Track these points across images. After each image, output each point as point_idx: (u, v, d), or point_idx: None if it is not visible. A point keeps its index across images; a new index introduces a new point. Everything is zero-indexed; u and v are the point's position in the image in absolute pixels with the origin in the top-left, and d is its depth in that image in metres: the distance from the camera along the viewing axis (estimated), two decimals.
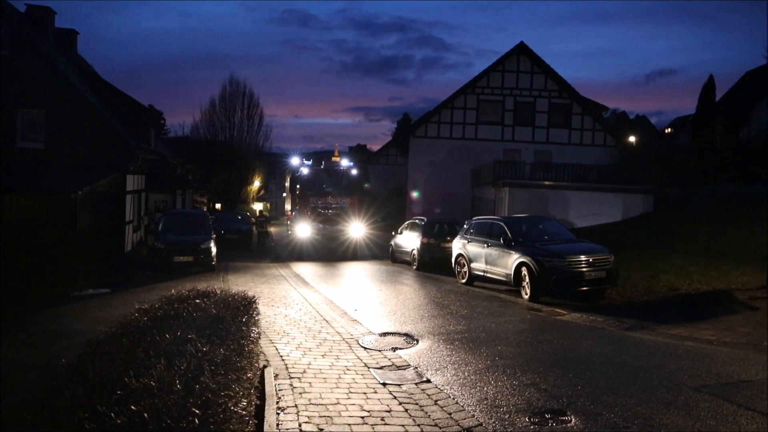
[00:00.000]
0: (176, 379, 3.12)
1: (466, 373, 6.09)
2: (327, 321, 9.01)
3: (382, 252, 22.91)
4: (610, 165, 27.33)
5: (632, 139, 39.09)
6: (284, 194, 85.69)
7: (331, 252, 21.08)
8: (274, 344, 7.30)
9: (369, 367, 6.35)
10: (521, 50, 29.65)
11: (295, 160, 26.22)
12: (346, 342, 7.57)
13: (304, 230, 21.08)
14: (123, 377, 3.15)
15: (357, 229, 21.53)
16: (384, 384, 5.75)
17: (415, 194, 30.60)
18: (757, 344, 6.97)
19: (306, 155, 25.52)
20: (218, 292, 6.40)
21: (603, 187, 24.37)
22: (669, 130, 54.34)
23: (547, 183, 24.97)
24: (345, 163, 25.49)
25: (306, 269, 17.60)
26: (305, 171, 22.55)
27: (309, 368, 6.27)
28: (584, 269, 10.50)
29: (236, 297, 6.23)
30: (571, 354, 6.92)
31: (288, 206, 31.31)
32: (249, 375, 4.66)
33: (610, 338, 7.81)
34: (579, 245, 11.49)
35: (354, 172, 22.94)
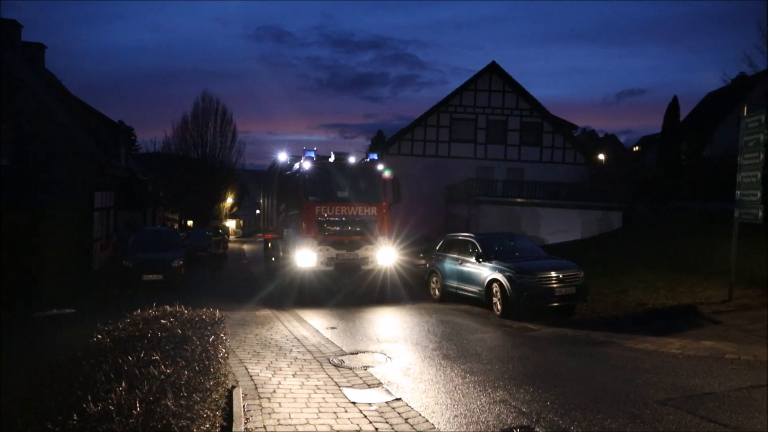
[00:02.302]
0: (136, 403, 3.04)
1: (437, 391, 6.08)
2: (298, 340, 8.91)
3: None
4: (581, 182, 27.92)
5: (601, 157, 40.08)
6: (258, 210, 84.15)
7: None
8: (244, 364, 7.18)
9: (340, 386, 6.28)
10: (493, 69, 30.23)
11: (282, 156, 16.50)
12: (317, 361, 7.48)
13: (306, 258, 12.72)
14: (81, 402, 3.05)
15: (387, 255, 13.44)
16: (354, 403, 5.70)
17: None
18: (720, 357, 7.13)
19: (295, 156, 15.91)
20: (185, 311, 6.28)
21: (573, 204, 24.84)
22: (637, 148, 55.86)
23: (519, 200, 25.35)
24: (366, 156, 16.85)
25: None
26: (307, 166, 13.31)
27: (279, 388, 6.17)
28: (555, 285, 10.63)
29: (203, 316, 6.12)
30: (541, 370, 6.97)
31: (269, 220, 20.31)
32: (215, 396, 4.57)
33: (580, 353, 7.90)
34: (549, 262, 11.65)
35: (381, 168, 14.01)
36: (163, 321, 5.71)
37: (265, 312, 11.77)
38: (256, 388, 6.15)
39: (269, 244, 18.84)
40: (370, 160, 14.70)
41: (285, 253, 14.83)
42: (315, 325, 10.24)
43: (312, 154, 13.43)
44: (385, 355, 7.79)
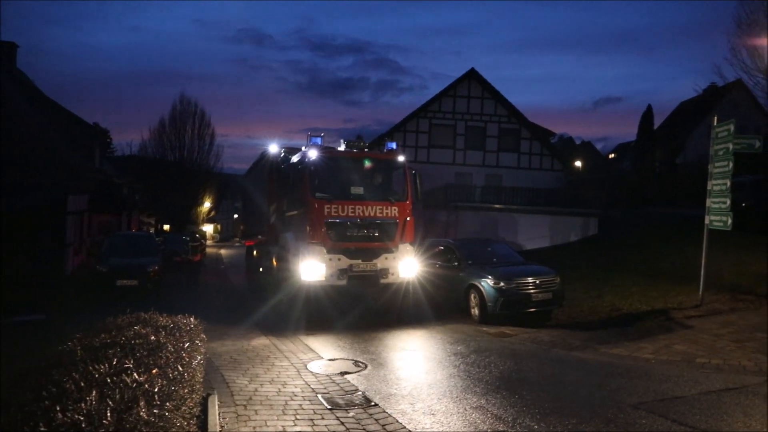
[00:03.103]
0: (107, 412, 2.97)
1: (415, 397, 6.08)
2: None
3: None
4: (558, 189, 28.30)
5: (578, 163, 40.74)
6: (236, 215, 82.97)
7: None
8: (220, 371, 7.09)
9: (317, 393, 6.24)
10: (472, 76, 30.52)
11: (273, 148, 13.84)
12: (294, 367, 7.43)
13: (312, 270, 10.32)
14: (49, 412, 2.97)
15: (409, 266, 11.03)
16: (331, 409, 5.67)
17: None
18: (691, 361, 7.29)
19: (289, 148, 13.47)
20: (160, 317, 6.17)
21: (550, 210, 25.16)
22: (613, 155, 56.93)
23: (497, 206, 25.57)
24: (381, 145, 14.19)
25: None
26: (314, 155, 10.75)
27: (255, 395, 6.11)
28: (531, 291, 10.74)
29: (179, 323, 6.02)
30: (518, 375, 7.03)
31: (252, 224, 18.67)
32: (190, 404, 4.49)
33: (556, 359, 7.99)
34: (527, 267, 11.77)
35: (402, 159, 11.48)
36: (136, 327, 5.60)
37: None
38: (232, 395, 6.08)
39: (254, 252, 16.22)
40: (389, 149, 11.66)
41: (282, 262, 11.81)
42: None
43: (319, 141, 10.89)
44: (360, 361, 7.75)
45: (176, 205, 42.83)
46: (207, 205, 50.34)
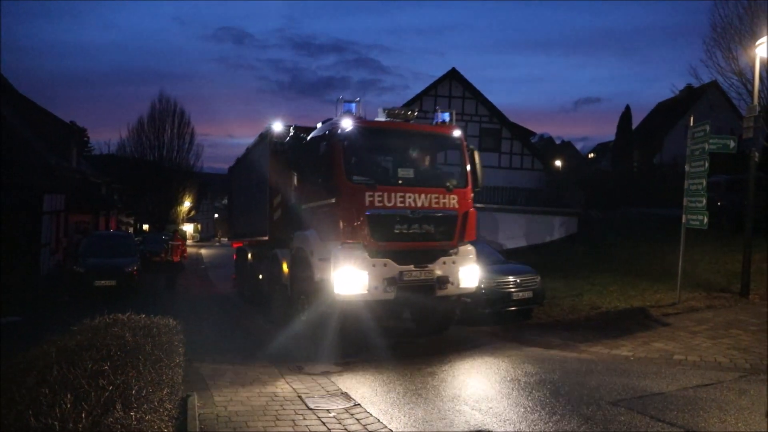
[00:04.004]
0: (82, 417, 2.92)
1: (396, 396, 6.08)
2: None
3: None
4: (538, 188, 28.56)
5: (558, 163, 41.18)
6: (216, 214, 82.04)
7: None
8: (201, 372, 7.00)
9: (298, 393, 6.20)
10: (453, 76, 30.62)
11: (277, 126, 10.93)
12: (276, 367, 7.37)
13: (350, 280, 7.79)
14: (22, 418, 2.90)
15: (472, 273, 8.80)
16: (312, 409, 5.63)
17: None
18: (669, 358, 7.41)
19: (298, 127, 10.53)
20: (139, 318, 6.08)
21: (531, 209, 25.38)
22: (592, 155, 57.68)
23: (477, 205, 25.58)
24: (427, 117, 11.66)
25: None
26: (348, 126, 8.18)
27: (236, 396, 6.05)
28: (512, 290, 10.81)
29: (157, 324, 5.94)
30: (499, 374, 7.07)
31: (242, 221, 14.83)
32: (168, 406, 4.43)
33: (536, 357, 8.05)
34: (507, 266, 11.84)
35: (459, 135, 9.07)
36: (114, 329, 5.51)
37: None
38: (212, 396, 6.01)
39: (249, 255, 13.68)
40: (442, 122, 9.10)
41: (298, 269, 9.19)
42: None
43: (353, 108, 8.28)
44: (341, 361, 7.71)
45: (155, 204, 42.32)
46: (187, 204, 49.79)
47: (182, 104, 54.20)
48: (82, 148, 41.56)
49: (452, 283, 8.44)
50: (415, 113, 9.01)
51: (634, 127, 40.55)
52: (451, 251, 8.59)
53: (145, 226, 44.23)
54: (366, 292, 7.75)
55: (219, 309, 14.14)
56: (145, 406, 3.60)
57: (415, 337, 9.55)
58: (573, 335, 9.21)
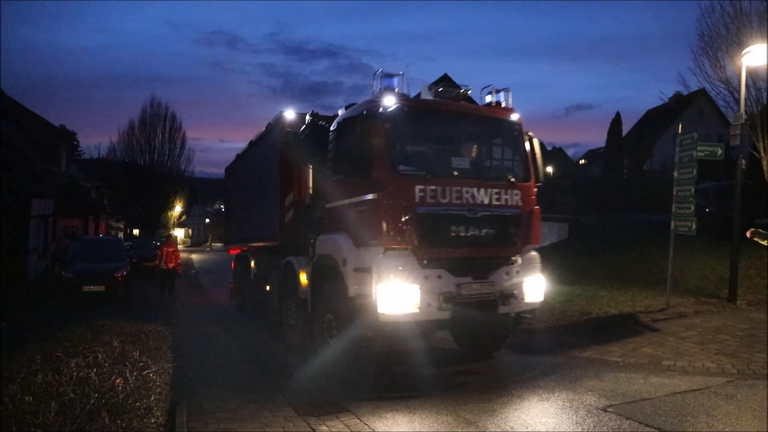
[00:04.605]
0: (66, 426, 2.88)
1: (387, 403, 6.06)
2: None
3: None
4: None
5: (550, 169, 41.43)
6: (207, 219, 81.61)
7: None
8: (191, 379, 6.95)
9: (288, 402, 6.17)
10: (445, 81, 30.70)
11: (290, 114, 9.46)
12: (268, 373, 7.33)
13: (397, 296, 6.18)
14: (4, 426, 2.86)
15: (537, 286, 7.37)
16: (303, 416, 5.60)
17: None
18: (657, 363, 7.45)
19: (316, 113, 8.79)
20: (126, 325, 6.02)
21: None
22: (583, 161, 58.07)
23: None
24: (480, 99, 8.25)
25: None
26: (390, 103, 6.65)
27: (226, 404, 6.00)
28: None
29: (146, 330, 5.89)
30: (490, 381, 7.08)
31: (243, 224, 13.15)
32: (156, 413, 4.39)
33: (527, 362, 8.07)
34: None
35: (517, 119, 7.67)
36: (102, 335, 5.46)
37: None
38: (201, 404, 5.96)
39: (251, 263, 12.15)
40: (497, 103, 7.63)
41: (323, 281, 7.50)
42: None
43: (394, 83, 6.87)
44: (334, 369, 7.67)
45: (146, 209, 42.07)
46: (178, 209, 49.54)
47: (173, 108, 54.01)
48: (72, 151, 41.29)
49: (516, 299, 6.95)
50: (468, 92, 7.53)
51: (624, 133, 40.95)
52: (515, 259, 7.16)
53: (136, 231, 43.94)
54: (417, 310, 6.22)
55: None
56: (132, 413, 3.56)
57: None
58: (563, 341, 9.23)
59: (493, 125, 7.71)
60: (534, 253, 7.46)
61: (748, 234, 6.78)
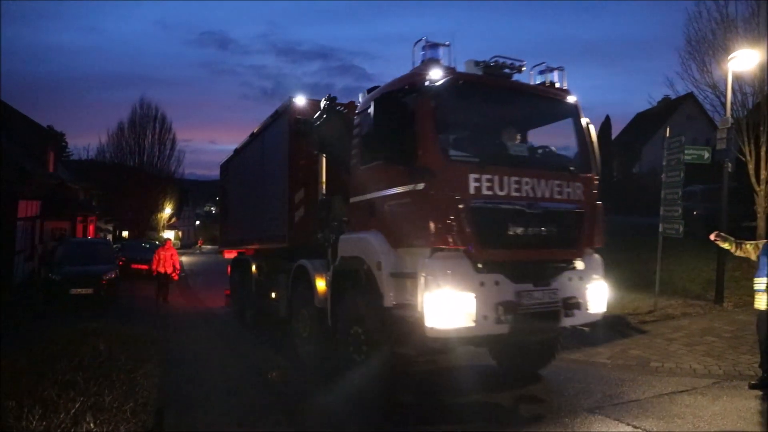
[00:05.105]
0: (50, 430, 2.85)
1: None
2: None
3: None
4: None
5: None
6: (197, 221, 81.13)
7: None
8: (178, 382, 6.90)
9: (276, 405, 6.15)
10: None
11: (300, 100, 8.66)
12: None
13: (448, 306, 5.13)
14: None
15: (600, 294, 6.41)
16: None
17: None
18: (645, 365, 7.50)
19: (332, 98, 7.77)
20: (114, 328, 5.98)
21: None
22: None
23: None
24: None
25: None
26: (437, 76, 5.65)
27: (214, 407, 5.97)
28: None
29: (133, 334, 5.85)
30: (480, 382, 7.09)
31: (240, 225, 12.35)
32: (143, 417, 4.36)
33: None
34: None
35: (574, 101, 6.69)
36: (88, 338, 5.41)
37: None
38: (189, 406, 5.92)
39: (253, 267, 11.11)
40: (550, 83, 6.70)
41: (349, 288, 6.49)
42: None
43: (439, 55, 5.89)
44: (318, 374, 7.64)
45: (135, 211, 41.75)
46: (168, 211, 49.23)
47: (164, 109, 53.65)
48: (60, 153, 40.85)
49: (580, 309, 5.97)
50: (523, 68, 6.41)
51: (613, 137, 41.26)
52: (577, 262, 6.22)
53: (125, 233, 43.59)
54: (472, 324, 5.21)
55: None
56: (118, 416, 3.54)
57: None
58: None
59: (551, 107, 6.74)
60: (597, 256, 6.54)
61: (711, 236, 6.92)
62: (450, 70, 5.86)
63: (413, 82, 5.83)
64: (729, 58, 11.26)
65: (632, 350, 8.30)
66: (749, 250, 6.70)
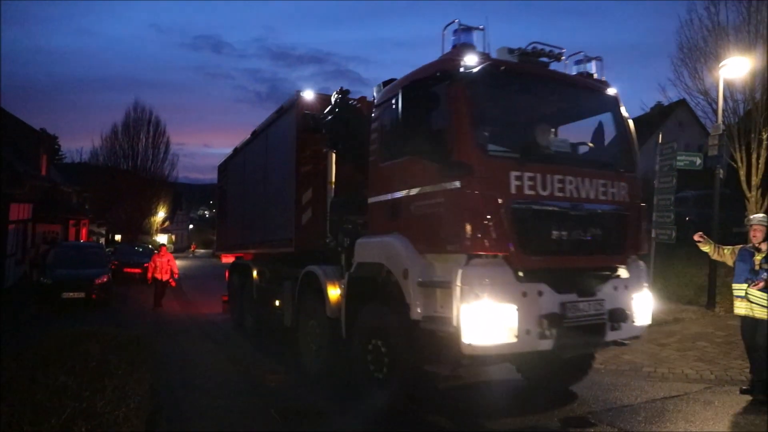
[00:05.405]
0: None
1: None
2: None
3: None
4: None
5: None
6: (191, 225, 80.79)
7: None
8: (171, 385, 6.85)
9: (268, 406, 6.12)
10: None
11: (308, 94, 8.08)
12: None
13: (488, 321, 4.56)
14: None
15: (645, 304, 5.69)
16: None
17: None
18: (638, 370, 7.54)
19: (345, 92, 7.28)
20: (105, 332, 5.95)
21: None
22: None
23: None
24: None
25: None
26: (472, 62, 5.07)
27: (206, 411, 5.93)
28: None
29: (125, 338, 5.82)
30: (470, 386, 7.10)
31: (237, 228, 11.90)
32: (135, 422, 4.34)
33: (509, 370, 8.10)
34: None
35: (614, 93, 6.18)
36: (80, 343, 5.39)
37: None
38: (182, 411, 5.88)
39: (254, 273, 10.37)
40: (588, 75, 6.14)
41: (367, 297, 6.02)
42: None
43: (473, 40, 5.34)
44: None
45: (129, 214, 41.55)
46: (161, 215, 49.03)
47: (158, 113, 53.48)
48: (53, 155, 40.67)
49: (626, 321, 5.41)
50: (561, 57, 5.86)
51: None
52: (621, 269, 5.67)
53: (118, 237, 43.36)
54: (515, 339, 4.68)
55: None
56: (110, 420, 3.52)
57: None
58: None
59: (592, 100, 6.24)
60: (641, 263, 5.91)
61: (695, 237, 6.95)
62: (485, 56, 5.31)
63: (446, 68, 5.20)
64: (720, 65, 11.39)
65: (625, 355, 8.32)
66: (726, 254, 6.73)
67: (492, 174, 4.89)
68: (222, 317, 13.13)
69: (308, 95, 8.08)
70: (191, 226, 78.31)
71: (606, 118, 6.19)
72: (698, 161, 10.72)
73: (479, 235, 4.77)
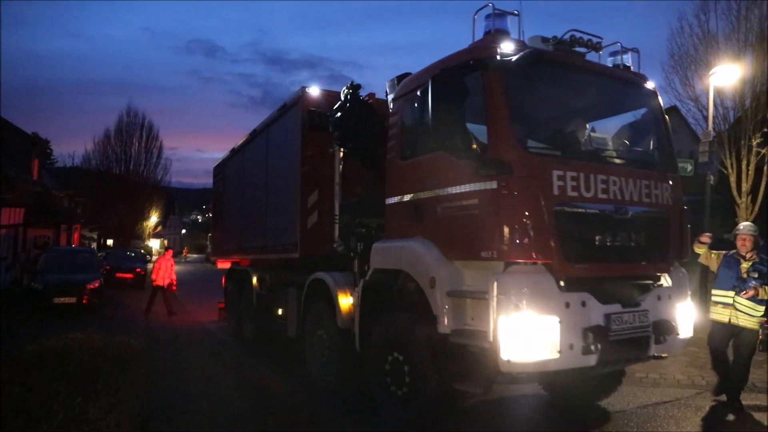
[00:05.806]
0: None
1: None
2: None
3: None
4: None
5: None
6: (183, 230, 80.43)
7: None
8: (164, 393, 6.82)
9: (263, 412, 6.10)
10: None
11: (314, 90, 7.63)
12: (243, 388, 7.24)
13: (528, 336, 4.10)
14: None
15: (687, 315, 5.23)
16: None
17: None
18: (630, 376, 7.52)
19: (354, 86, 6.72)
20: (98, 338, 5.90)
21: None
22: None
23: None
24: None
25: None
26: (512, 50, 4.60)
27: (200, 416, 5.91)
28: None
29: (118, 345, 5.78)
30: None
31: (234, 232, 11.37)
32: (127, 427, 4.31)
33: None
34: None
35: (653, 87, 5.67)
36: (71, 349, 5.34)
37: None
38: (176, 418, 5.86)
39: (254, 280, 9.89)
40: (624, 67, 5.68)
41: (387, 307, 5.62)
42: None
43: (506, 25, 4.94)
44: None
45: (121, 219, 41.38)
46: (153, 219, 48.84)
47: (150, 117, 53.46)
48: (45, 160, 40.48)
49: (671, 333, 4.97)
50: (600, 47, 5.37)
51: None
52: (663, 278, 5.32)
53: (110, 242, 43.15)
54: (557, 355, 4.23)
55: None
56: (102, 426, 3.50)
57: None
58: None
59: (632, 94, 5.71)
60: (684, 271, 5.50)
61: (704, 237, 6.87)
62: (521, 44, 4.86)
63: (480, 56, 4.72)
64: (710, 72, 11.52)
65: None
66: (713, 259, 6.73)
67: (533, 173, 4.43)
68: (219, 325, 12.68)
69: (314, 91, 7.61)
70: (184, 231, 78.04)
71: (644, 114, 5.77)
72: (689, 168, 10.83)
73: (519, 241, 4.33)
